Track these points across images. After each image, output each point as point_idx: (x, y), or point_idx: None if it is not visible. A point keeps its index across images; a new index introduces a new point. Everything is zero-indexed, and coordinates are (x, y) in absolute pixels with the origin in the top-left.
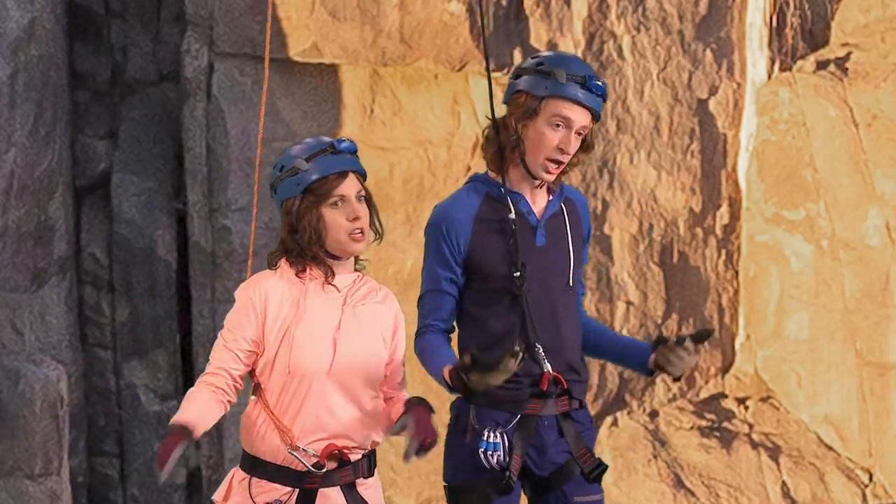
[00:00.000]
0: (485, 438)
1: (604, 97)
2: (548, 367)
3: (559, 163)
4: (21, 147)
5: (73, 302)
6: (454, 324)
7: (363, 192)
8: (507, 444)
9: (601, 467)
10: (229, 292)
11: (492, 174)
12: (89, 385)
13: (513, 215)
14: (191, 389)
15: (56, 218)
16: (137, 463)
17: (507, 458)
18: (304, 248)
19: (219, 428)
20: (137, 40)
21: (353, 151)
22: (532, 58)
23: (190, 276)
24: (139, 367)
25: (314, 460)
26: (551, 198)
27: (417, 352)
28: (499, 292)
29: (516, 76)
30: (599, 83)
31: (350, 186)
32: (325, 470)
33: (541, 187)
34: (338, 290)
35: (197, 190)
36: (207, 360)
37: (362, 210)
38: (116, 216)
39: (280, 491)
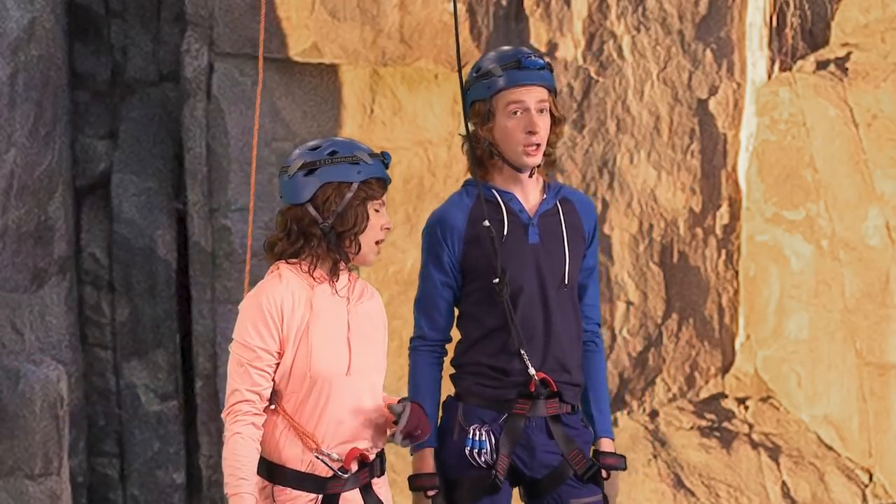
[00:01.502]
0: (471, 437)
1: (543, 67)
2: (532, 371)
3: (535, 144)
4: (21, 147)
5: (73, 302)
6: (450, 330)
7: None
8: (493, 442)
9: (594, 468)
10: (229, 292)
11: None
12: (89, 385)
13: (487, 223)
14: (239, 447)
15: (56, 218)
16: (137, 463)
17: (494, 457)
18: (326, 237)
19: (219, 429)
20: (137, 40)
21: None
22: (473, 68)
23: (190, 276)
24: (139, 367)
25: (339, 465)
26: (545, 196)
27: (409, 370)
28: (490, 292)
29: (466, 90)
30: (533, 58)
31: (385, 199)
32: (349, 474)
33: (531, 176)
34: (337, 291)
35: (197, 190)
36: (207, 361)
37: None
38: (116, 216)
39: (305, 497)
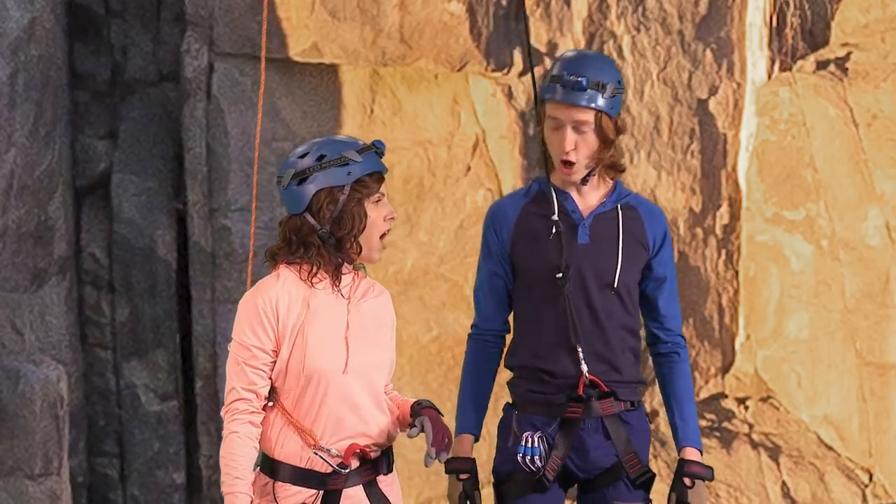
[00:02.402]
0: (523, 443)
1: (585, 88)
2: (584, 368)
3: (569, 163)
4: (21, 147)
5: (73, 302)
6: (505, 320)
7: None
8: (546, 447)
9: (648, 474)
10: (229, 292)
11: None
12: (89, 385)
13: (556, 217)
14: (235, 446)
15: (56, 218)
16: (137, 463)
17: (546, 461)
18: (326, 243)
19: (219, 429)
20: (137, 40)
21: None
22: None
23: (190, 276)
24: (139, 367)
25: (338, 461)
26: (605, 199)
27: (465, 358)
28: (540, 288)
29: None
30: (573, 78)
31: (384, 188)
32: (349, 470)
33: (584, 184)
34: (341, 290)
35: (197, 190)
36: (207, 361)
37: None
38: (116, 216)
39: (305, 493)
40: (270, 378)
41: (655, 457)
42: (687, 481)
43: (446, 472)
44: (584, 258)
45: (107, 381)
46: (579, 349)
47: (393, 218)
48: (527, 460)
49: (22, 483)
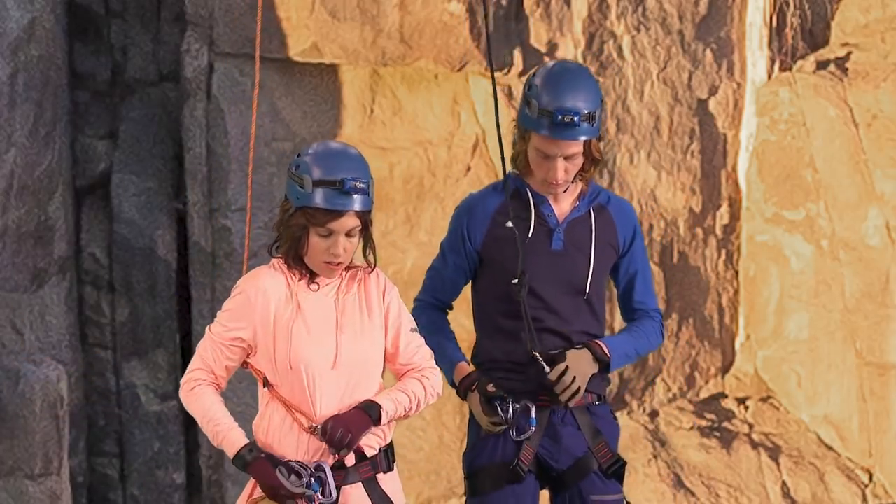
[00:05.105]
0: (500, 411)
1: (577, 125)
2: (547, 369)
3: (557, 184)
4: (21, 147)
5: (73, 302)
6: (453, 304)
7: (358, 227)
8: (515, 410)
9: (619, 463)
10: (229, 292)
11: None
12: (89, 385)
13: (510, 224)
14: (202, 396)
15: (56, 218)
16: (137, 463)
17: (516, 409)
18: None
19: None
20: (137, 40)
21: (363, 191)
22: (533, 73)
23: (190, 276)
24: (139, 367)
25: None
26: (578, 203)
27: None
28: (505, 291)
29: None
30: (565, 118)
31: (343, 224)
32: (339, 462)
33: (564, 191)
34: (328, 285)
35: (197, 190)
36: None
37: (349, 245)
38: (116, 216)
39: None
40: (230, 358)
41: (655, 456)
42: (582, 348)
43: (462, 398)
44: (556, 265)
45: (107, 381)
46: (537, 355)
47: (336, 255)
48: (500, 406)
49: (22, 483)
